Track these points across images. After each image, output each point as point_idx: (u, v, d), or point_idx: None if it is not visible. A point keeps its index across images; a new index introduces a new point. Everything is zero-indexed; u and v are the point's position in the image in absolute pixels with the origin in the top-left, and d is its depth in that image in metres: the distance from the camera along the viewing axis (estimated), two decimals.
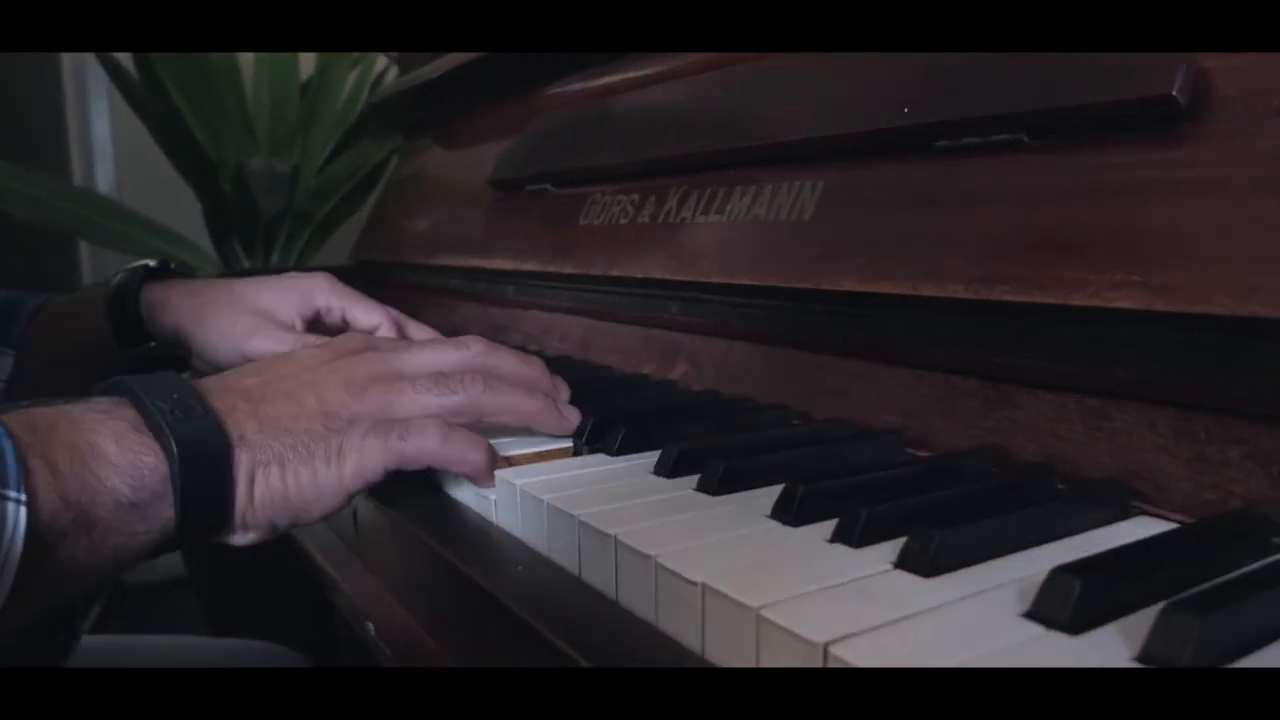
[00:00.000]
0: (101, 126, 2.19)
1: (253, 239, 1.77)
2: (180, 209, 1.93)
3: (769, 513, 0.42)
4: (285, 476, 0.46)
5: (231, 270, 1.82)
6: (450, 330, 0.76)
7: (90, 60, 2.04)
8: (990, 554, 0.37)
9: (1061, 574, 0.31)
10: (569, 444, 0.56)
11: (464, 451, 0.50)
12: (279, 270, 0.89)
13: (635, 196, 0.76)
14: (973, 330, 0.48)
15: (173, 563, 2.22)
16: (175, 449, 0.42)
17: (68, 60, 2.17)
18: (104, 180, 2.21)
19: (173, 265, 0.79)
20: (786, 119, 0.63)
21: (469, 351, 0.55)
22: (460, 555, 0.47)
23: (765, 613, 0.32)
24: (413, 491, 0.58)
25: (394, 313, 0.76)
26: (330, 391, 0.49)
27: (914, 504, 0.40)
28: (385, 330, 0.74)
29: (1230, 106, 0.40)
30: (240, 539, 0.48)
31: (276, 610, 1.60)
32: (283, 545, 0.70)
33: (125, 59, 1.80)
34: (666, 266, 0.69)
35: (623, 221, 0.77)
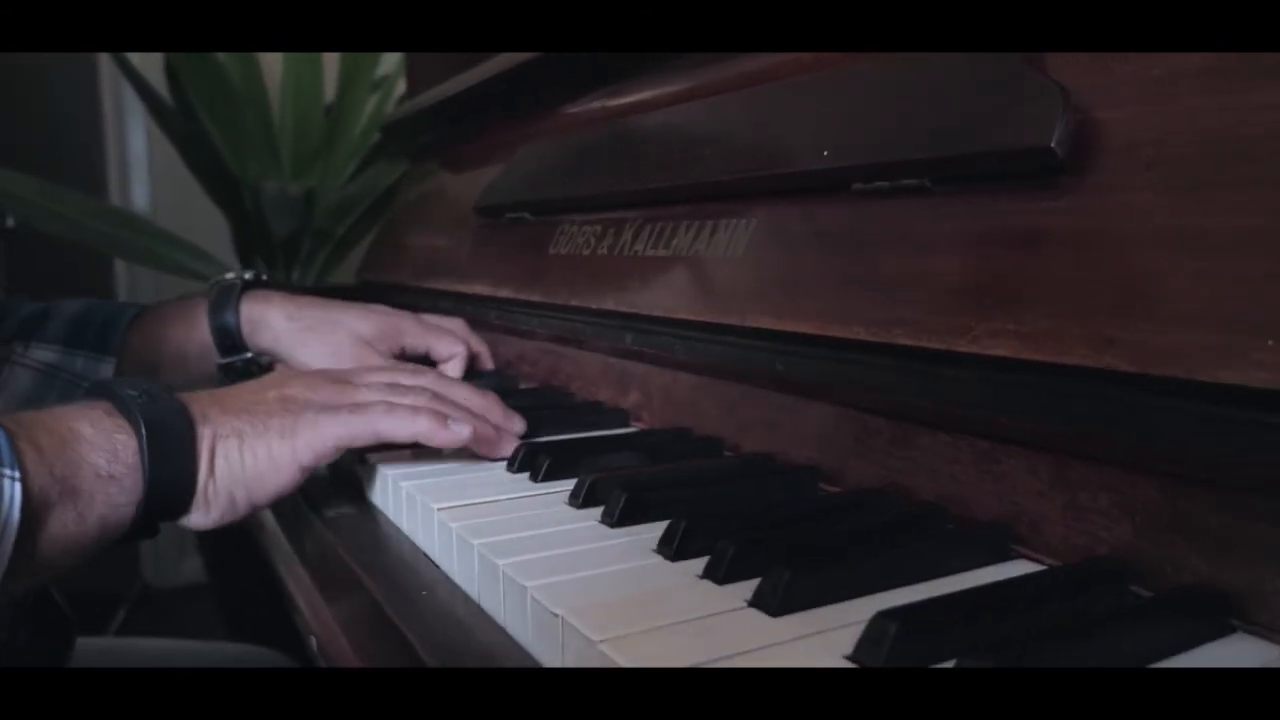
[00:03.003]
0: (138, 147, 2.27)
1: (274, 257, 1.82)
2: (212, 227, 1.99)
3: (656, 547, 0.44)
4: (243, 449, 0.51)
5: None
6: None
7: (127, 83, 2.11)
8: (848, 594, 0.38)
9: (881, 618, 0.32)
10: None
11: (408, 420, 0.55)
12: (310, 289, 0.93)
13: (598, 228, 0.78)
14: (877, 371, 0.49)
15: (195, 568, 2.28)
16: (143, 427, 0.48)
17: (107, 82, 2.25)
18: (139, 198, 2.29)
19: (264, 277, 0.84)
20: (727, 157, 0.64)
21: (424, 378, 0.61)
22: (372, 576, 0.49)
23: (604, 647, 0.34)
24: (345, 504, 0.61)
25: (474, 343, 0.85)
26: (289, 387, 0.56)
27: (789, 542, 0.41)
28: (458, 360, 0.81)
29: (1106, 159, 0.41)
30: (202, 518, 0.52)
31: (288, 617, 1.65)
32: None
33: (159, 82, 1.86)
34: (618, 299, 0.71)
35: (585, 252, 0.78)
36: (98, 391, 0.51)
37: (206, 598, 2.09)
